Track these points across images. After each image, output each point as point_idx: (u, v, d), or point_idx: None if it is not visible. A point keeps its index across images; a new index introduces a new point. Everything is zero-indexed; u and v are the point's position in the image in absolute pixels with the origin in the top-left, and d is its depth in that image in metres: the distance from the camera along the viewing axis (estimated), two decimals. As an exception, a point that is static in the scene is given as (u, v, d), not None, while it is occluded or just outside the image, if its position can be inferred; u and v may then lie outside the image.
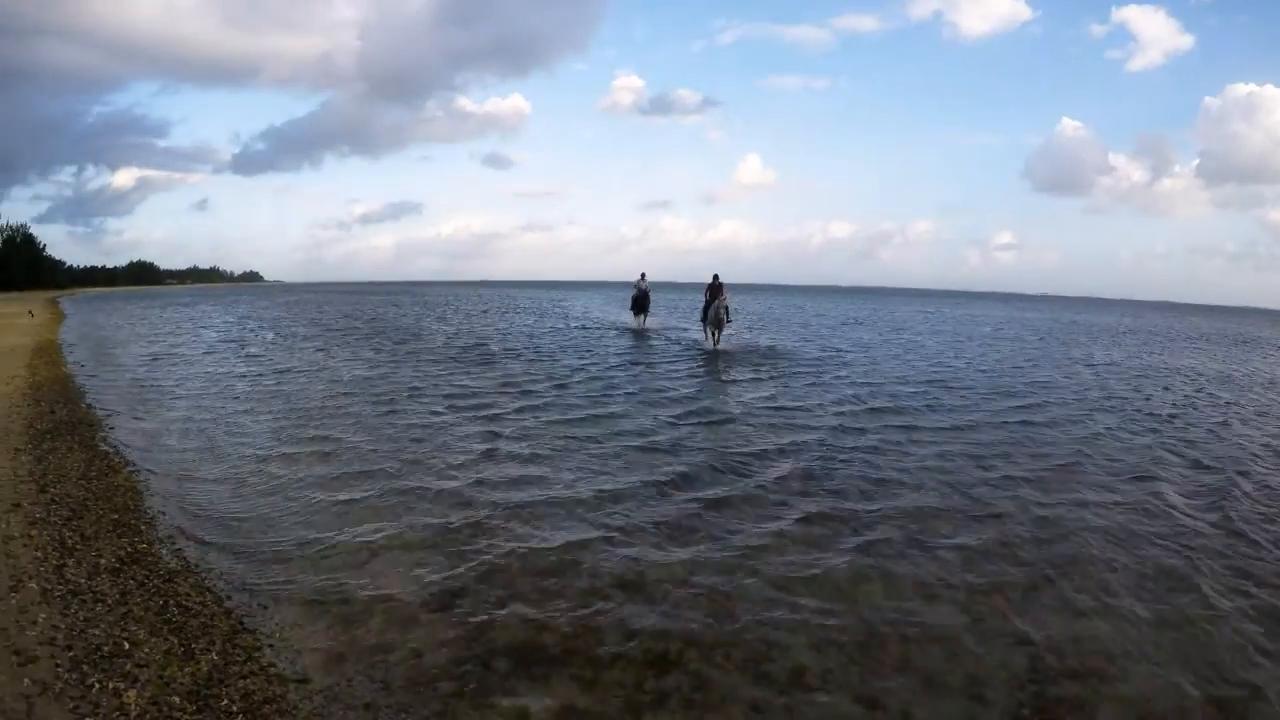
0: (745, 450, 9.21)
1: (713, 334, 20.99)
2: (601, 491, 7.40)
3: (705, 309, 21.29)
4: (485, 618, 4.85)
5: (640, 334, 26.85)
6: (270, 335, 26.61)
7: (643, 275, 27.60)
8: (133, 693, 3.76)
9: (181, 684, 3.89)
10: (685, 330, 27.26)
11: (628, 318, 31.15)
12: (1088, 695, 4.16)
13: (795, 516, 6.82)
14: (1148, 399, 15.12)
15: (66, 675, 3.87)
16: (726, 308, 20.40)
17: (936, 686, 4.21)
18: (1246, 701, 4.16)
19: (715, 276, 20.73)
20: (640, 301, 27.95)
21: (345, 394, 13.24)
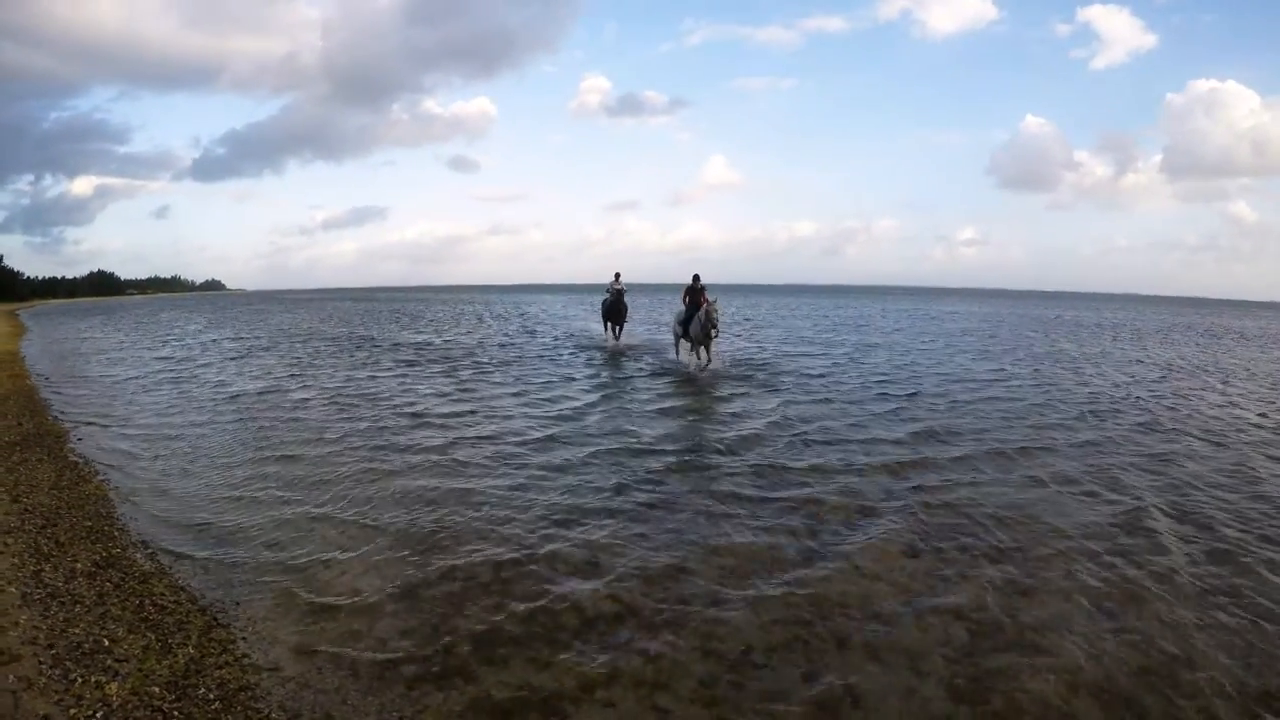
0: (703, 447, 9.53)
1: (698, 351, 16.84)
2: (563, 493, 7.63)
3: (686, 321, 17.15)
4: (447, 608, 5.13)
5: (614, 351, 21.60)
6: (232, 346, 26.39)
7: (617, 275, 21.71)
8: (114, 685, 4.00)
9: (161, 676, 4.14)
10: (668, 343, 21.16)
11: (597, 328, 26.67)
12: (1021, 666, 4.46)
13: (746, 506, 7.16)
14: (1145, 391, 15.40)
15: (50, 671, 4.09)
16: (716, 319, 15.75)
17: (877, 660, 4.52)
18: (1174, 669, 4.42)
19: (696, 277, 17.37)
20: (613, 309, 22.53)
21: (310, 405, 13.29)
